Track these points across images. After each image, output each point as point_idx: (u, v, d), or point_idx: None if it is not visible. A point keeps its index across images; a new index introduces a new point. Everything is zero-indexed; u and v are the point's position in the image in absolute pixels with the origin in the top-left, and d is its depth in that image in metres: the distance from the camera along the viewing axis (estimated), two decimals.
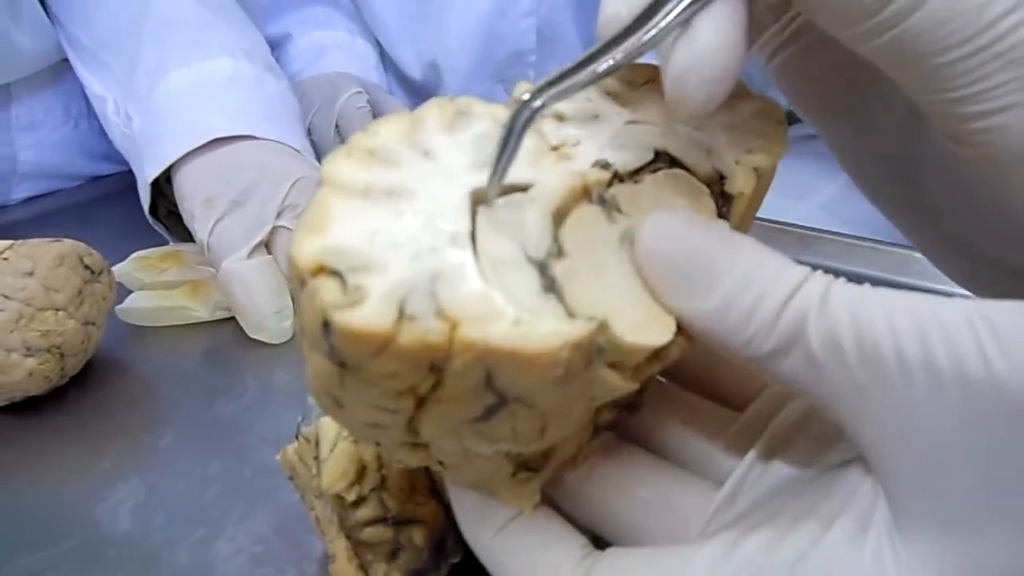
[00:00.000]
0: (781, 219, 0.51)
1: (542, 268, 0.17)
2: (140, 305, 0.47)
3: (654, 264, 0.17)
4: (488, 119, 0.19)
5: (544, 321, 0.15)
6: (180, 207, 0.48)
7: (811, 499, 0.16)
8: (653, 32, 0.17)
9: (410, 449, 0.17)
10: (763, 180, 0.20)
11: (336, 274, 0.15)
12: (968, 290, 0.26)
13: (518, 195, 0.18)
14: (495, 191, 0.17)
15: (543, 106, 0.17)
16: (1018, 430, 0.14)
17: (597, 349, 0.16)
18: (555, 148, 0.19)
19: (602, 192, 0.18)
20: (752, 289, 0.16)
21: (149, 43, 0.52)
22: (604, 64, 0.17)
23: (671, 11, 0.17)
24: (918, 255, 0.46)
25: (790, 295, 0.16)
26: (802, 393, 0.16)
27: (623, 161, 0.19)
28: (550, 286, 0.16)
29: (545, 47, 0.73)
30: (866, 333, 0.15)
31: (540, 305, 0.16)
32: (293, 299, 0.16)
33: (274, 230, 0.46)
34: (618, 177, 0.19)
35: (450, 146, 0.18)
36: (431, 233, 0.16)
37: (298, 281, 0.15)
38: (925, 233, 0.25)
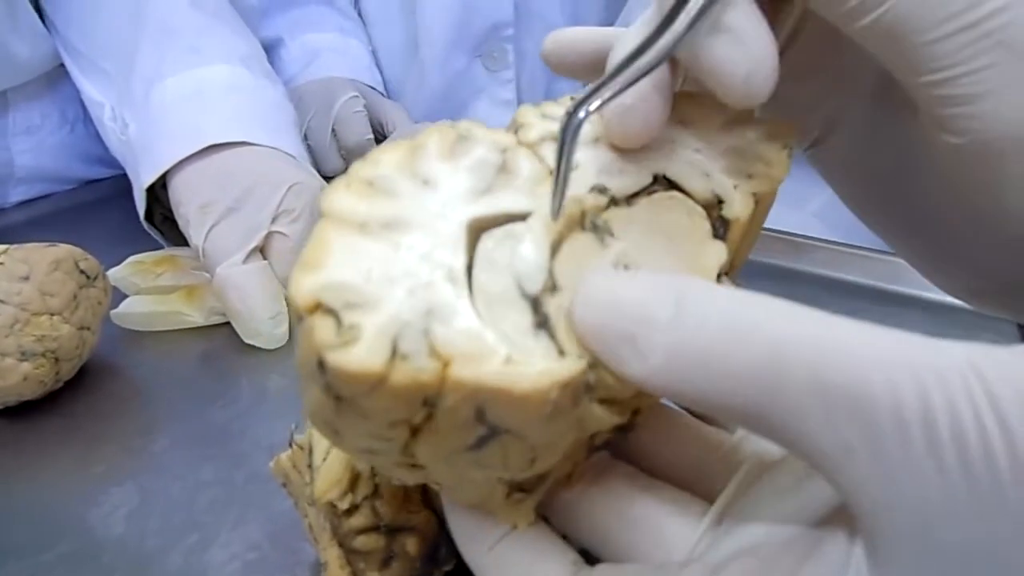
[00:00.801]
0: (774, 227, 0.52)
1: (535, 304, 0.17)
2: (135, 310, 0.47)
3: (593, 338, 0.15)
4: (488, 144, 0.19)
5: (534, 360, 0.15)
6: (175, 213, 0.48)
7: (793, 532, 0.16)
8: (679, 31, 0.18)
9: (407, 470, 0.18)
10: (762, 204, 0.20)
11: (331, 312, 0.15)
12: (959, 299, 0.26)
13: (516, 225, 0.18)
14: (557, 208, 0.18)
15: (587, 116, 0.18)
16: (1012, 506, 0.13)
17: (586, 387, 0.16)
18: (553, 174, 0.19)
19: (595, 218, 0.18)
20: (702, 334, 0.14)
21: (146, 49, 0.53)
22: (640, 64, 0.18)
23: (689, 13, 0.18)
24: None
25: (751, 332, 0.14)
26: (779, 446, 0.15)
27: (620, 185, 0.19)
28: (542, 323, 0.16)
29: (523, 21, 0.73)
30: (861, 389, 0.13)
31: (531, 343, 0.16)
32: (291, 328, 0.16)
33: (269, 235, 0.46)
34: (614, 202, 0.19)
35: (450, 173, 0.18)
36: (427, 267, 0.16)
37: (296, 317, 0.15)
38: (917, 248, 0.25)
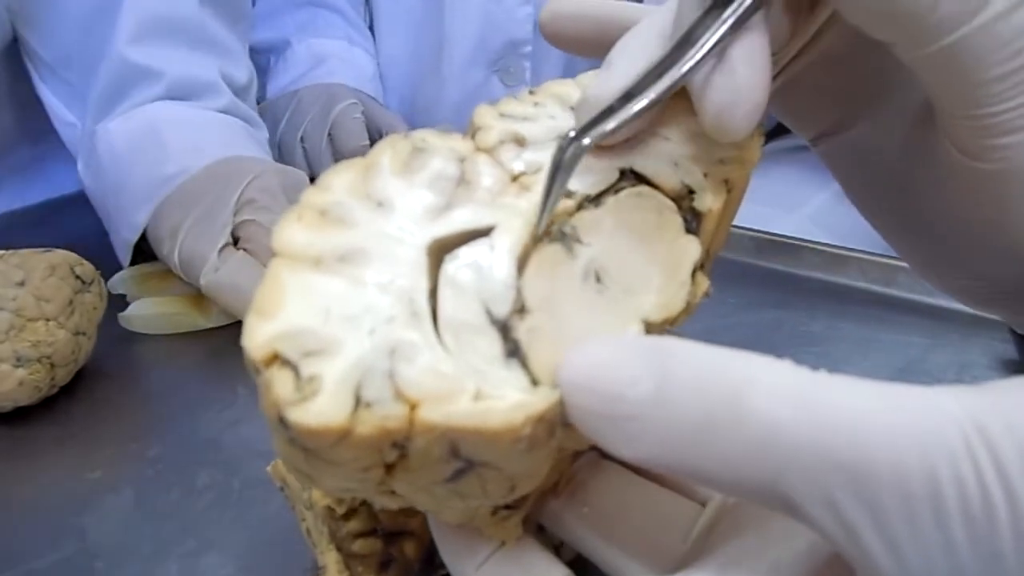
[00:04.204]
0: (769, 230, 0.52)
1: (504, 331, 0.16)
2: (144, 312, 0.47)
3: (583, 424, 0.14)
4: (445, 153, 0.18)
5: (506, 393, 0.15)
6: (156, 249, 0.49)
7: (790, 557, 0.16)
8: (690, 64, 0.17)
9: (389, 497, 0.17)
10: (735, 192, 0.19)
11: (289, 363, 0.14)
12: (954, 298, 0.26)
13: (479, 243, 0.17)
14: (544, 226, 0.17)
15: (588, 144, 0.17)
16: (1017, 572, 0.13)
17: (563, 417, 0.15)
18: (515, 178, 0.18)
19: (562, 226, 0.18)
20: (689, 416, 0.14)
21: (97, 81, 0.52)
22: (643, 101, 0.17)
23: (704, 45, 0.17)
24: (906, 266, 0.46)
25: (742, 413, 0.13)
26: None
27: (586, 186, 0.18)
28: (513, 351, 0.16)
29: (541, 39, 0.74)
30: (863, 468, 0.13)
31: (502, 373, 0.15)
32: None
33: (242, 226, 0.46)
34: (581, 204, 0.18)
35: (405, 191, 0.17)
36: (388, 299, 0.15)
37: (253, 370, 0.15)
38: (916, 248, 0.25)
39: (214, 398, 0.41)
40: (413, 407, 0.14)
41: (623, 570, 0.19)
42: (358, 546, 0.24)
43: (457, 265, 0.17)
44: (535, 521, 0.20)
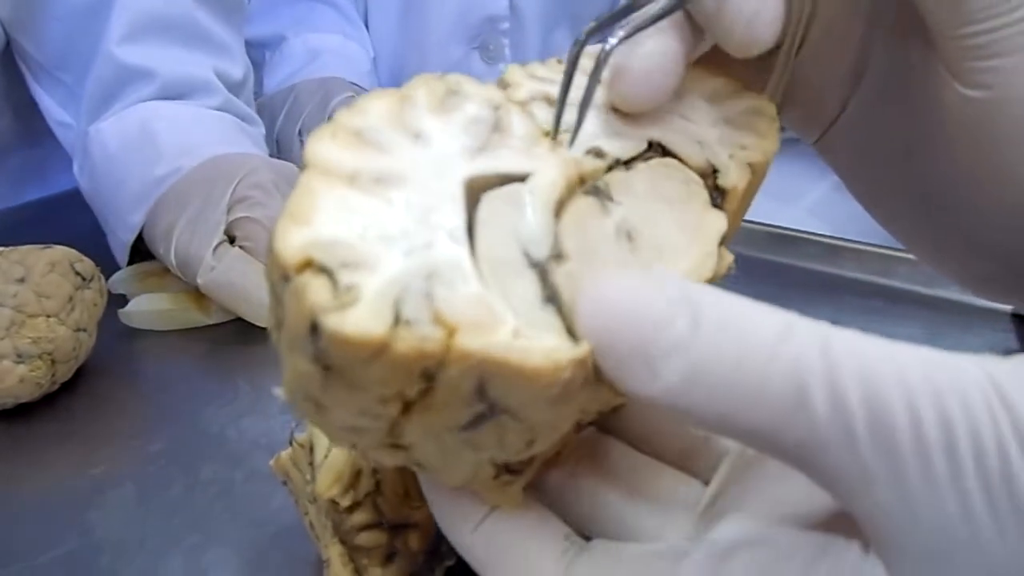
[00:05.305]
0: (767, 222, 0.52)
1: (543, 274, 0.15)
2: (145, 308, 0.47)
3: (599, 347, 0.14)
4: (480, 100, 0.18)
5: (544, 336, 0.14)
6: (152, 249, 0.49)
7: (801, 526, 0.16)
8: None
9: (389, 451, 0.16)
10: (756, 177, 0.19)
11: (325, 271, 0.13)
12: (964, 287, 0.26)
13: (517, 186, 0.17)
14: (573, 136, 0.18)
15: (615, 44, 0.18)
16: None
17: (596, 368, 0.15)
18: (548, 134, 0.18)
19: (595, 182, 0.18)
20: (722, 354, 0.13)
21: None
22: (658, 5, 0.18)
23: None
24: (904, 256, 0.46)
25: (772, 355, 0.13)
26: (790, 467, 0.14)
27: (617, 149, 0.18)
28: (551, 296, 0.15)
29: (518, 14, 0.75)
30: (883, 415, 0.13)
31: (540, 318, 0.15)
32: (271, 292, 0.15)
33: (237, 223, 0.46)
34: (611, 166, 0.18)
35: (442, 129, 0.17)
36: (425, 226, 0.15)
37: (280, 276, 0.14)
38: (928, 236, 0.25)
39: (216, 393, 0.41)
40: (451, 332, 0.13)
41: (625, 539, 0.18)
42: (362, 539, 0.24)
43: (496, 203, 0.16)
44: (532, 493, 0.20)
